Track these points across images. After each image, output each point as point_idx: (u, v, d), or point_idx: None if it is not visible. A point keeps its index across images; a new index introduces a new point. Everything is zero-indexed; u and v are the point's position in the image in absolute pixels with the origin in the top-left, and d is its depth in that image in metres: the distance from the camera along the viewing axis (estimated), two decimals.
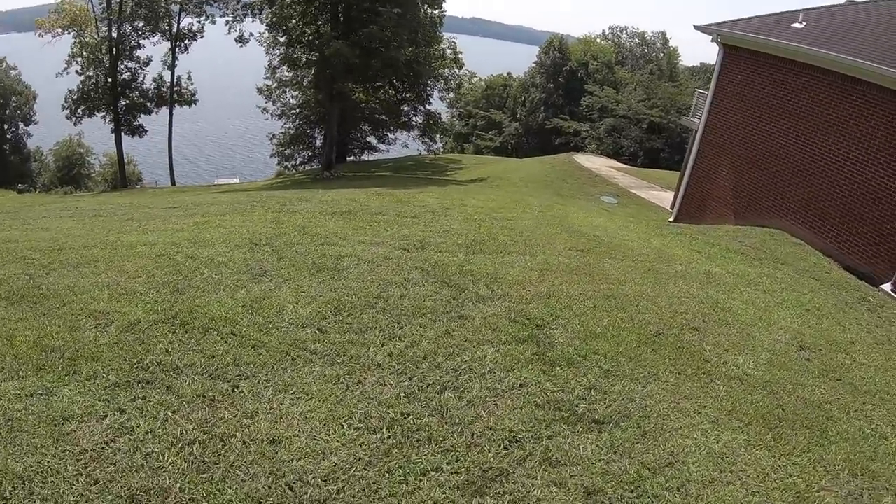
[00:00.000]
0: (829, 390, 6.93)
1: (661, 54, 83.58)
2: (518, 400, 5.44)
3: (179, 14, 46.88)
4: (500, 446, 4.84)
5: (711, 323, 8.26)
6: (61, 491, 4.08)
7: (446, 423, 5.00)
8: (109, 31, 43.70)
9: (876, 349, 8.72)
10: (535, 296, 7.94)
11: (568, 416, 5.34)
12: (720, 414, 5.89)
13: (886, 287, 12.59)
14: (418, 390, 5.42)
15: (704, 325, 8.13)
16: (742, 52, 19.06)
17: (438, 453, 4.67)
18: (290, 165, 55.30)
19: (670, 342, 7.32)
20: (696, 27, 20.35)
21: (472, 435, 4.89)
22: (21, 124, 65.89)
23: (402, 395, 5.33)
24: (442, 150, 64.38)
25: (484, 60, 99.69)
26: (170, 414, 4.86)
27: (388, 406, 5.14)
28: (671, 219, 21.68)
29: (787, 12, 19.04)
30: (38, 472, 4.20)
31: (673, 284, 9.64)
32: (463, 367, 5.88)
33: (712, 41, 19.80)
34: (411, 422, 4.97)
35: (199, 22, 47.24)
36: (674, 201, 23.23)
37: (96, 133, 55.70)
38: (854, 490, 5.16)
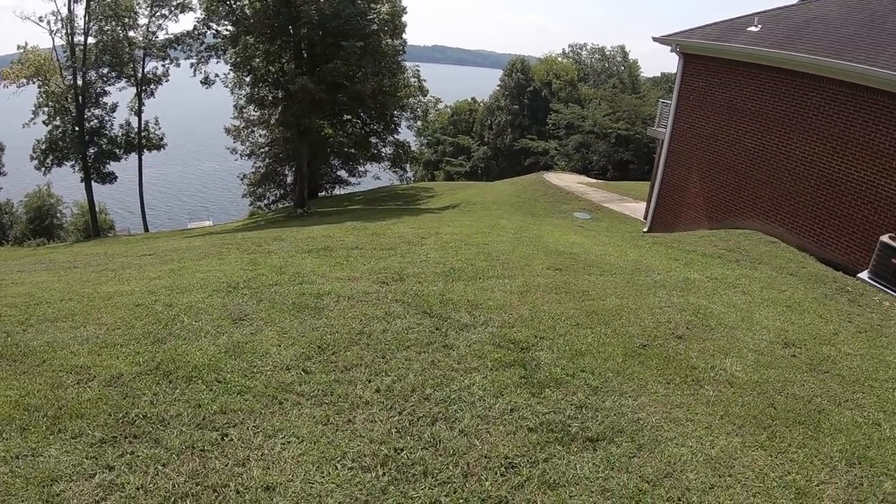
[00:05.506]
0: (817, 384, 7.03)
1: (622, 68, 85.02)
2: (510, 425, 5.42)
3: (144, 59, 46.76)
4: (496, 474, 4.80)
5: (695, 329, 8.32)
6: None
7: (440, 455, 4.95)
8: (74, 79, 43.38)
9: (859, 338, 8.87)
10: (518, 319, 7.95)
11: (561, 436, 5.33)
12: (713, 419, 5.92)
13: (863, 275, 12.77)
14: (409, 424, 5.38)
15: (688, 332, 8.19)
16: (702, 59, 19.38)
17: (436, 486, 4.62)
18: (262, 205, 55.37)
19: (656, 353, 7.36)
20: (655, 39, 20.67)
21: (468, 465, 4.85)
22: None
23: (394, 430, 5.28)
24: (413, 178, 64.56)
25: (448, 86, 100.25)
26: (160, 467, 4.74)
27: (381, 443, 5.08)
28: (645, 229, 21.86)
29: (743, 17, 19.42)
30: None
31: (653, 295, 9.70)
32: (452, 396, 5.85)
33: (672, 51, 20.12)
34: (405, 457, 4.92)
35: (163, 66, 47.14)
36: (647, 211, 23.42)
37: (68, 182, 55.21)
38: (853, 479, 5.22)
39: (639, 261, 12.09)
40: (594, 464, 5.04)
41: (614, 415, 5.78)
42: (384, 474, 4.72)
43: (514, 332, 7.50)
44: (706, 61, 19.23)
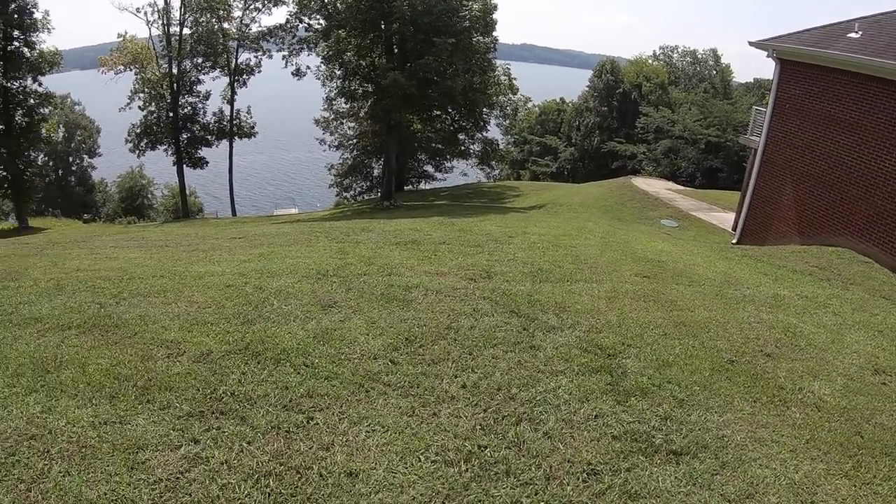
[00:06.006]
0: None
1: (714, 72, 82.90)
2: (594, 431, 5.37)
3: (237, 50, 48.31)
4: (578, 479, 4.75)
5: (784, 348, 8.07)
6: None
7: (524, 456, 4.94)
8: (170, 67, 45.23)
9: None
10: (605, 324, 7.87)
11: (645, 447, 5.25)
12: (798, 443, 5.71)
13: None
14: (494, 422, 5.38)
15: (777, 350, 7.95)
16: (799, 65, 18.74)
17: (517, 486, 4.61)
18: (348, 196, 56.29)
19: (744, 369, 7.17)
20: (751, 43, 20.12)
21: (551, 468, 4.83)
22: (86, 157, 68.43)
23: (478, 427, 5.29)
24: (499, 176, 64.54)
25: (537, 86, 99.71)
26: (245, 445, 4.85)
27: (465, 438, 5.10)
28: (734, 241, 21.34)
29: (843, 22, 18.67)
30: (112, 500, 4.18)
31: (742, 309, 9.47)
32: (537, 398, 5.82)
33: (768, 56, 19.53)
34: (488, 454, 4.92)
35: (256, 57, 48.60)
36: (736, 223, 22.87)
37: (159, 164, 57.37)
38: None
39: (728, 273, 11.82)
40: (676, 478, 4.93)
41: (699, 429, 5.65)
42: (467, 470, 4.73)
43: (602, 337, 7.42)
44: (803, 68, 18.59)
